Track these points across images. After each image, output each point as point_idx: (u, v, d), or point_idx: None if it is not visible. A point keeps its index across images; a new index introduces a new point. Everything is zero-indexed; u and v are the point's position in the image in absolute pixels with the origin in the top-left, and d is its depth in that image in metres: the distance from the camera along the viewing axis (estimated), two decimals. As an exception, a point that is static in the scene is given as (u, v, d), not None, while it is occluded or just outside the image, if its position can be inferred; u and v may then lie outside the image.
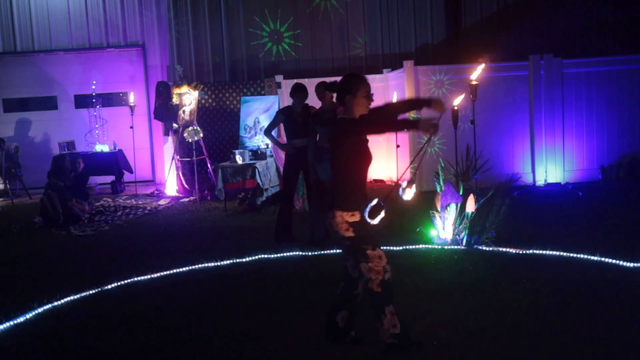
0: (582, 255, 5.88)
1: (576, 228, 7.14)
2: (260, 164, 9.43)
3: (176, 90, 10.91)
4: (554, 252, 6.04)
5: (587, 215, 7.91)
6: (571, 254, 5.94)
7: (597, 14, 11.45)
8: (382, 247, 3.88)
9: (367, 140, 3.91)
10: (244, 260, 6.41)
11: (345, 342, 4.06)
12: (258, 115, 10.80)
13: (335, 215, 3.82)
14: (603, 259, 5.73)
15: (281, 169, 8.47)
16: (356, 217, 3.80)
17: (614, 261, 5.64)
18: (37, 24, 12.69)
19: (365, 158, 3.91)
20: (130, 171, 12.05)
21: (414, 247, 6.53)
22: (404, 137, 9.99)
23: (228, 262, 6.35)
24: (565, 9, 11.83)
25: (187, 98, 10.84)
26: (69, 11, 12.66)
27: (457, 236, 6.51)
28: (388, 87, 11.20)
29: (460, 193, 6.49)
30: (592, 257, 5.80)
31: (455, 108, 7.25)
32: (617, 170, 10.29)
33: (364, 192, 3.93)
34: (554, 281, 5.23)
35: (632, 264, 5.52)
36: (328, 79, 7.22)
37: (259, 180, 9.24)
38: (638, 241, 6.35)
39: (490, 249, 6.31)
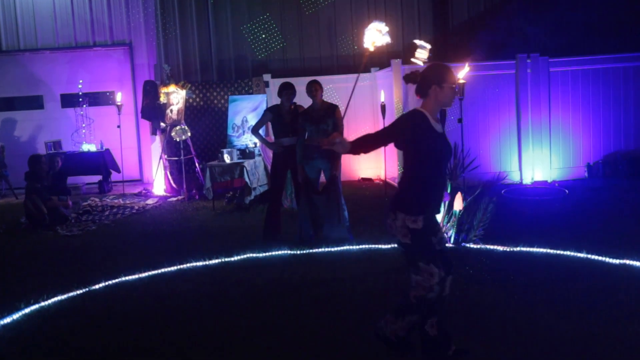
0: (568, 253, 5.93)
1: (563, 225, 7.20)
2: (248, 163, 9.42)
3: (164, 89, 10.86)
4: (541, 250, 6.08)
5: (574, 212, 7.97)
6: (558, 251, 5.99)
7: (583, 13, 11.52)
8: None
9: (440, 134, 3.60)
10: (232, 259, 6.40)
11: (449, 357, 3.72)
12: (246, 114, 10.78)
13: (397, 217, 3.55)
14: (589, 255, 5.78)
15: (269, 168, 8.47)
16: (418, 224, 3.52)
17: (599, 258, 5.70)
18: (22, 22, 12.58)
19: (436, 154, 3.58)
20: (118, 171, 11.99)
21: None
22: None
23: (216, 261, 6.34)
24: (551, 9, 11.91)
25: (175, 97, 10.81)
26: (54, 10, 12.55)
27: (445, 234, 6.53)
28: (376, 86, 11.23)
29: (448, 191, 6.51)
30: (579, 254, 5.85)
31: (443, 106, 7.29)
32: (603, 167, 10.38)
33: (435, 194, 3.62)
34: (541, 278, 5.28)
35: (617, 261, 5.57)
36: (317, 78, 7.24)
37: (247, 180, 9.23)
38: (623, 238, 6.42)
39: (478, 246, 6.35)
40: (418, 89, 3.66)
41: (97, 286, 5.71)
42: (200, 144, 11.83)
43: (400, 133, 3.62)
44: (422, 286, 3.52)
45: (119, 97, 11.48)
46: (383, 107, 9.28)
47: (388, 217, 3.61)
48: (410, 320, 3.60)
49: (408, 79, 3.74)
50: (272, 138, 7.36)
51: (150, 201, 10.43)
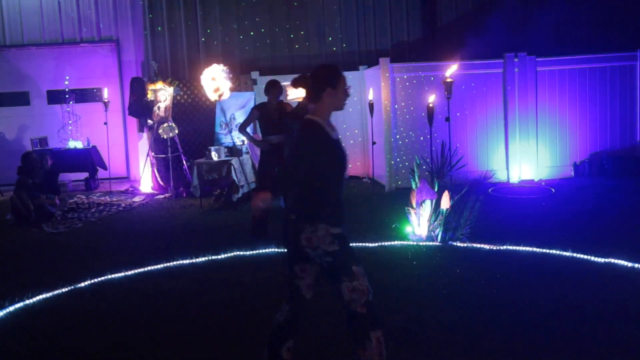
0: (554, 251, 5.96)
1: (549, 224, 7.24)
2: (236, 161, 9.40)
3: (151, 86, 10.80)
4: (527, 248, 6.11)
5: (560, 211, 8.01)
6: (544, 250, 6.03)
7: (570, 13, 11.59)
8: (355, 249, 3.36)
9: (336, 140, 3.36)
10: (219, 257, 6.39)
11: None
12: (234, 112, 10.75)
13: (318, 228, 3.25)
14: (575, 254, 5.82)
15: (257, 166, 8.45)
16: (339, 230, 3.29)
17: (585, 257, 5.73)
18: (8, 18, 12.46)
19: (339, 164, 3.34)
20: (105, 168, 11.92)
21: (389, 243, 6.56)
22: (379, 134, 10.03)
23: (203, 259, 6.32)
24: (539, 8, 11.96)
25: (162, 94, 10.75)
26: (41, 5, 12.44)
27: (432, 232, 6.56)
28: (364, 84, 11.23)
29: (435, 190, 6.54)
30: (564, 253, 5.88)
31: (431, 105, 7.32)
32: (589, 167, 10.45)
33: (341, 201, 3.36)
34: (527, 277, 5.30)
35: (602, 260, 5.62)
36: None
37: (234, 177, 9.21)
38: (608, 237, 6.47)
39: (465, 245, 6.37)
40: (311, 94, 3.38)
41: (82, 284, 5.68)
42: (187, 142, 11.78)
43: (316, 154, 3.29)
44: (361, 290, 3.24)
45: (105, 94, 11.41)
46: (371, 105, 9.29)
47: (303, 231, 3.27)
48: (378, 337, 3.22)
49: (297, 83, 3.45)
50: (259, 136, 7.34)
51: (137, 198, 10.37)
